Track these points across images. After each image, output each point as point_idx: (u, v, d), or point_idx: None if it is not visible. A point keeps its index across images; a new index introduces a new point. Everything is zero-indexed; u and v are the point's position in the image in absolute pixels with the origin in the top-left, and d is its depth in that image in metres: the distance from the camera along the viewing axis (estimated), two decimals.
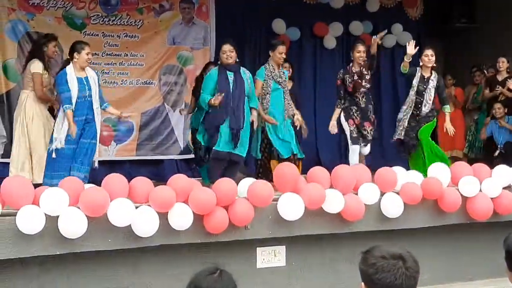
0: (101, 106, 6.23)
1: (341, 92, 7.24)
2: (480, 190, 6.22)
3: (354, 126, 7.17)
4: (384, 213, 5.87)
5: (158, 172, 8.19)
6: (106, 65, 8.28)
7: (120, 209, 4.87)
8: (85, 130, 6.03)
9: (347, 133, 7.21)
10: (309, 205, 5.48)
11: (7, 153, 7.36)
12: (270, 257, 5.76)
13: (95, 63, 7.65)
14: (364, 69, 7.13)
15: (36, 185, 5.23)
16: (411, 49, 7.02)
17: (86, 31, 8.05)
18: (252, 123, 6.59)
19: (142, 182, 5.24)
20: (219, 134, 6.39)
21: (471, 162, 7.48)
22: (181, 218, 5.09)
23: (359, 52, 7.12)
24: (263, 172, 6.95)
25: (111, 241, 4.97)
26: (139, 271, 5.29)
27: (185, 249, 5.35)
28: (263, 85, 6.89)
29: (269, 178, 6.07)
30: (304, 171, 6.41)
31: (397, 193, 5.96)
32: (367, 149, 7.29)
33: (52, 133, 6.08)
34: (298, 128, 7.04)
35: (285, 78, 7.07)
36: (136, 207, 4.98)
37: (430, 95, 7.19)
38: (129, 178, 5.29)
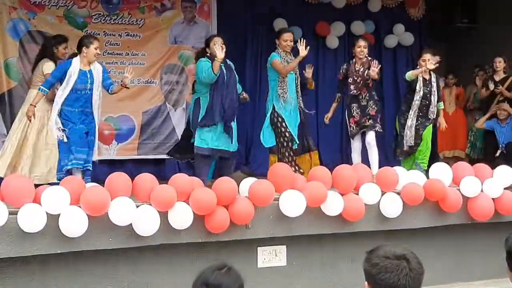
0: (108, 90, 6.25)
1: (341, 87, 7.25)
2: (482, 191, 6.21)
3: (354, 123, 7.18)
4: (384, 213, 5.87)
5: (159, 172, 8.17)
6: (107, 64, 8.25)
7: (121, 208, 4.87)
8: (84, 123, 6.03)
9: (349, 130, 7.25)
10: (310, 203, 5.47)
11: None
12: (271, 257, 5.76)
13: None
14: (365, 71, 7.10)
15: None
16: (430, 64, 7.03)
17: (87, 30, 8.03)
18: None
19: (146, 179, 5.24)
20: (209, 129, 6.42)
21: (472, 162, 7.48)
22: (182, 217, 5.09)
23: (360, 47, 7.12)
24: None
25: (111, 240, 4.97)
26: (139, 270, 5.29)
27: (185, 248, 5.35)
28: (283, 65, 6.80)
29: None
30: None
31: (398, 193, 5.95)
32: (370, 137, 7.09)
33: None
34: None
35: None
36: (137, 206, 4.98)
37: (435, 97, 7.20)
38: (130, 177, 5.28)
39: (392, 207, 5.86)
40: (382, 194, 5.88)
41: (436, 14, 10.12)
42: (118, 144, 8.37)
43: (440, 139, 8.88)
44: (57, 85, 6.41)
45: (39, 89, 6.14)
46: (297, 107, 6.95)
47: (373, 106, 7.18)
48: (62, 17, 7.99)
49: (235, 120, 6.63)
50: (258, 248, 5.68)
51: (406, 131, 7.20)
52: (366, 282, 1.89)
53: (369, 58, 7.21)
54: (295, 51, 6.94)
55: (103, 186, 5.07)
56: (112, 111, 8.05)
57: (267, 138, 6.90)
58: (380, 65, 7.17)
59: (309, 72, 7.12)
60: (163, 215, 5.03)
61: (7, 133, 7.44)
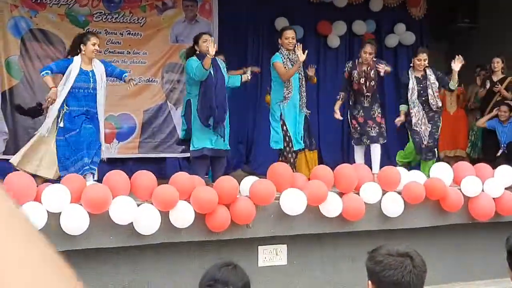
0: (122, 78, 6.26)
1: (346, 85, 7.23)
2: (483, 190, 6.21)
3: (357, 125, 7.15)
4: (385, 212, 5.87)
5: (160, 170, 8.17)
6: (109, 62, 8.28)
7: (122, 207, 4.87)
8: (91, 123, 5.98)
9: (351, 133, 7.26)
10: (311, 201, 5.47)
11: (8, 150, 7.35)
12: (272, 256, 5.76)
13: None
14: (371, 72, 7.09)
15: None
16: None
17: (88, 29, 8.04)
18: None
19: (145, 177, 5.24)
20: (202, 131, 6.41)
21: (473, 162, 7.47)
22: (183, 216, 5.09)
23: (366, 53, 7.09)
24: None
25: (112, 239, 4.97)
26: (140, 269, 5.29)
27: (186, 247, 5.35)
28: (285, 67, 6.78)
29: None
30: None
31: (399, 192, 5.95)
32: (376, 149, 7.09)
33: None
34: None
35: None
36: (138, 205, 4.98)
37: (433, 90, 7.18)
38: (131, 176, 5.28)
39: (393, 206, 5.86)
40: (383, 194, 5.88)
41: (437, 13, 10.12)
42: (119, 142, 8.38)
43: (441, 138, 8.86)
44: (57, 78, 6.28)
45: (42, 75, 6.00)
46: (299, 107, 6.89)
47: (378, 110, 7.15)
48: (64, 15, 7.99)
49: (226, 119, 6.57)
50: (259, 247, 5.68)
51: (415, 128, 7.20)
52: (369, 281, 1.89)
53: (374, 60, 7.19)
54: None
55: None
56: (113, 110, 8.04)
57: (276, 140, 6.88)
58: (385, 65, 7.16)
59: (311, 71, 7.11)
60: (164, 214, 5.03)
61: (8, 131, 7.44)
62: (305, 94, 6.96)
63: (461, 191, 6.15)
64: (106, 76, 6.19)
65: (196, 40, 6.74)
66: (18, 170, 5.88)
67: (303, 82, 6.96)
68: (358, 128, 7.14)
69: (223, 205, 5.25)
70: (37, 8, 7.88)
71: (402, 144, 8.02)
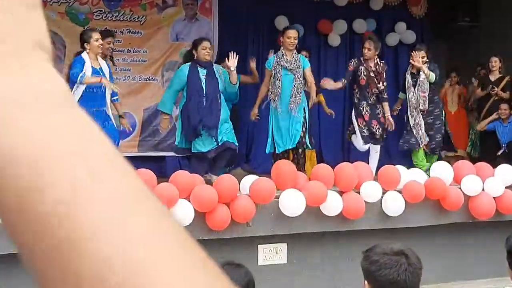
0: (111, 97, 6.22)
1: (349, 76, 7.19)
2: (483, 189, 6.20)
3: (364, 124, 7.13)
4: (385, 211, 5.86)
5: (160, 169, 8.16)
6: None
7: None
8: (104, 125, 5.94)
9: (357, 133, 7.17)
10: (310, 202, 5.47)
11: None
12: (272, 255, 5.75)
13: None
14: (381, 70, 7.10)
15: None
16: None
17: (89, 27, 8.02)
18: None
19: (144, 176, 5.23)
20: (196, 135, 6.40)
21: (474, 161, 7.47)
22: (183, 214, 5.08)
23: (365, 49, 7.11)
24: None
25: None
26: None
27: None
28: (271, 73, 6.81)
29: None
30: None
31: (400, 191, 5.94)
32: (377, 151, 7.15)
33: None
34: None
35: (301, 64, 6.80)
36: None
37: (423, 87, 7.17)
38: None
39: (393, 205, 5.85)
40: (384, 192, 5.88)
41: (438, 12, 10.10)
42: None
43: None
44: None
45: (80, 81, 5.86)
46: (289, 110, 6.75)
47: (382, 110, 7.15)
48: (64, 14, 7.99)
49: (225, 118, 6.53)
50: (259, 245, 5.67)
51: (413, 130, 7.20)
52: (365, 281, 1.89)
53: (376, 61, 7.16)
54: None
55: None
56: (112, 108, 8.03)
57: (268, 143, 6.90)
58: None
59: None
60: None
61: None
62: (298, 96, 6.74)
63: (461, 190, 6.14)
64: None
65: (195, 45, 6.68)
66: None
67: (299, 83, 6.78)
68: (366, 127, 7.11)
69: (223, 204, 5.24)
70: None
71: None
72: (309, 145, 6.90)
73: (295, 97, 6.72)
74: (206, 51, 6.47)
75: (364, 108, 7.11)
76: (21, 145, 0.36)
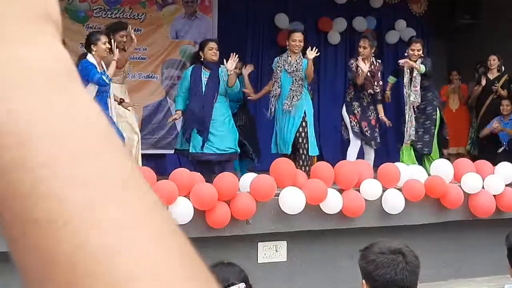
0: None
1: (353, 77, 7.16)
2: (483, 187, 6.20)
3: (356, 121, 7.14)
4: (385, 209, 5.86)
5: (160, 167, 8.16)
6: None
7: None
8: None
9: (349, 127, 7.19)
10: (310, 200, 5.46)
11: None
12: (271, 252, 5.75)
13: None
14: (376, 70, 7.08)
15: None
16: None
17: (88, 24, 8.02)
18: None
19: (144, 173, 5.20)
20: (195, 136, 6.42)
21: (474, 158, 7.45)
22: (182, 212, 5.08)
23: (360, 47, 7.10)
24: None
25: None
26: None
27: None
28: (274, 73, 6.83)
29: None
30: None
31: (400, 189, 5.94)
32: (371, 153, 7.13)
33: None
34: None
35: (302, 67, 6.72)
36: None
37: (415, 82, 7.15)
38: None
39: (393, 203, 5.85)
40: (384, 190, 5.87)
41: (438, 10, 10.09)
42: None
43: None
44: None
45: (108, 83, 5.82)
46: (283, 111, 6.70)
47: (374, 113, 7.14)
48: (64, 11, 7.97)
49: (222, 123, 6.50)
50: (259, 243, 5.67)
51: (407, 126, 7.20)
52: (363, 280, 1.88)
53: (372, 60, 7.14)
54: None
55: None
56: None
57: (273, 143, 6.88)
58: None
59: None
60: None
61: None
62: (295, 98, 6.66)
63: (461, 188, 6.13)
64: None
65: (202, 46, 6.68)
66: None
67: (296, 86, 6.70)
68: (357, 124, 7.12)
69: (223, 201, 5.24)
70: None
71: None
72: (310, 150, 6.72)
73: (291, 99, 6.67)
74: (213, 52, 6.48)
75: (356, 109, 7.11)
76: (8, 120, 0.35)
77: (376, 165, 6.49)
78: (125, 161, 0.38)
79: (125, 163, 0.38)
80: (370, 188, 5.80)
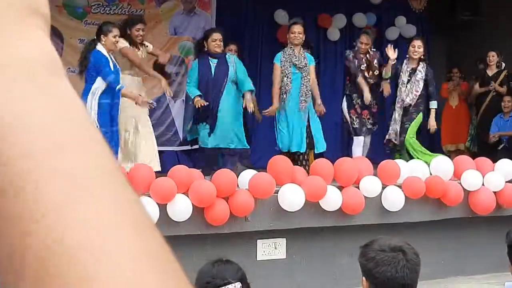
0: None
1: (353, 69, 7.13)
2: (483, 184, 6.18)
3: (356, 116, 7.13)
4: (385, 206, 5.84)
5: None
6: None
7: None
8: (114, 117, 5.84)
9: (350, 124, 7.20)
10: (310, 197, 5.44)
11: None
12: (271, 250, 5.73)
13: None
14: (374, 63, 7.08)
15: None
16: (392, 53, 6.96)
17: (86, 20, 7.99)
18: (245, 109, 6.48)
19: (143, 170, 5.20)
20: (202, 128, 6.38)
21: (473, 155, 7.44)
22: (181, 209, 5.06)
23: (362, 44, 7.10)
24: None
25: None
26: None
27: (184, 240, 5.32)
28: (282, 68, 6.67)
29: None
30: None
31: (400, 186, 5.92)
32: (367, 140, 7.18)
33: None
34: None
35: (308, 62, 6.71)
36: None
37: (417, 86, 7.10)
38: None
39: (393, 200, 5.83)
40: (384, 187, 5.85)
41: (438, 6, 10.07)
42: None
43: (443, 132, 8.85)
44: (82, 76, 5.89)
45: (120, 88, 5.78)
46: (299, 109, 6.65)
47: (374, 101, 7.13)
48: (62, 7, 7.94)
49: (230, 118, 6.48)
50: (258, 240, 5.65)
51: (392, 124, 7.14)
52: (363, 278, 1.86)
53: (374, 50, 7.15)
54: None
55: None
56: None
57: (278, 140, 6.82)
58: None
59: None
60: (162, 207, 5.00)
61: None
62: (308, 95, 6.66)
63: (461, 185, 6.11)
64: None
65: (206, 36, 6.65)
66: None
67: (307, 82, 6.67)
68: (357, 119, 7.11)
69: (222, 198, 5.22)
70: None
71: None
72: (318, 146, 6.76)
73: (305, 96, 6.62)
74: (216, 43, 6.43)
75: (355, 100, 7.10)
76: None
77: (374, 162, 6.46)
78: (102, 155, 0.37)
79: (102, 158, 0.37)
80: (370, 185, 5.78)
